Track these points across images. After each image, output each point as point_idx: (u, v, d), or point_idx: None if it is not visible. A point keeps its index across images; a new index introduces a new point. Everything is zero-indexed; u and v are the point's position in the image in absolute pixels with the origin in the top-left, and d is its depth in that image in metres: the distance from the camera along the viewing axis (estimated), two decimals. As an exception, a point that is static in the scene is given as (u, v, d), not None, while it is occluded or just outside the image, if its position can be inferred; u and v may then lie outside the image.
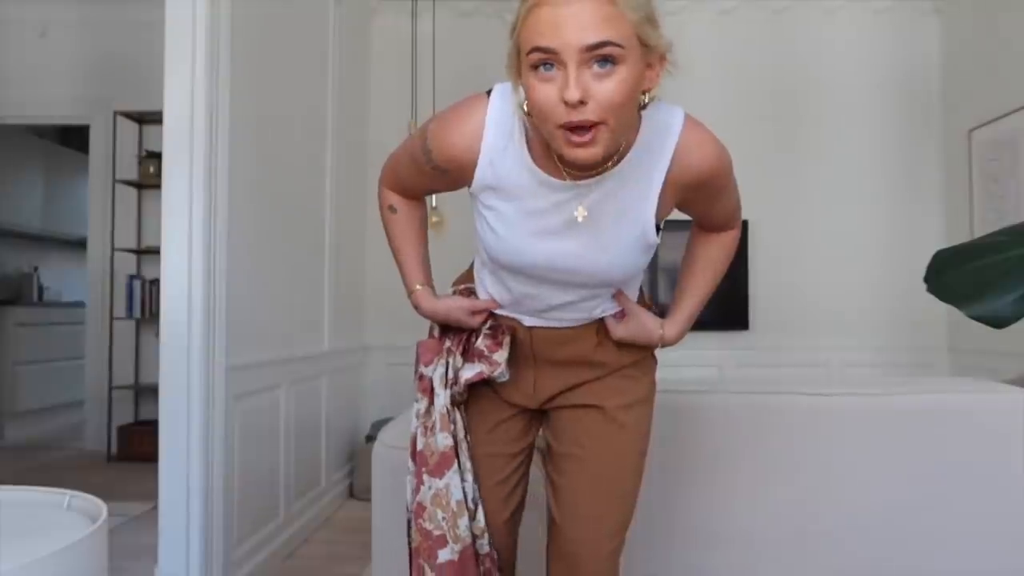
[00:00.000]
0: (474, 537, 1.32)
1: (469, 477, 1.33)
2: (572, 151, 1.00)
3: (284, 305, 3.10)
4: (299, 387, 3.21)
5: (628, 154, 1.11)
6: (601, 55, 0.96)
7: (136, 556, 2.82)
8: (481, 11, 4.32)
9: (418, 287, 1.36)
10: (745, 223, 4.24)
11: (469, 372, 1.29)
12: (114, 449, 4.59)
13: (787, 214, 4.29)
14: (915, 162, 4.30)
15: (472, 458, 1.35)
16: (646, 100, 1.06)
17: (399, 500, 1.74)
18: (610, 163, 1.10)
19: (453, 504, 1.29)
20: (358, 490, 3.87)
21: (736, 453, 1.89)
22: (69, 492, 1.36)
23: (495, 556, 1.36)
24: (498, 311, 1.33)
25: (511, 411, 1.39)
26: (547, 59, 0.97)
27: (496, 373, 1.29)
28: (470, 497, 1.31)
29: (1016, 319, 0.98)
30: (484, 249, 1.26)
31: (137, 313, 4.61)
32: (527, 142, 1.12)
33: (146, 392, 4.74)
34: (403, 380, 4.22)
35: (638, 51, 1.00)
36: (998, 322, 0.99)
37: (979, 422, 1.88)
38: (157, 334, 2.50)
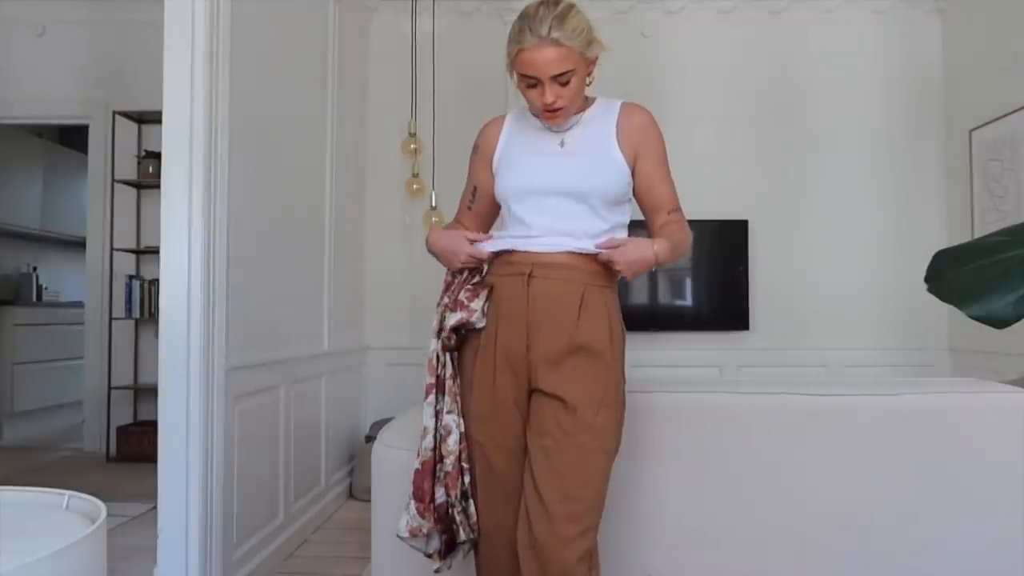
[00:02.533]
0: (441, 457, 1.61)
1: (442, 407, 1.63)
2: (549, 121, 1.64)
3: (284, 305, 3.10)
4: (299, 387, 3.21)
5: (585, 113, 1.69)
6: (561, 80, 1.56)
7: (135, 557, 2.82)
8: (481, 11, 4.32)
9: (431, 230, 1.75)
10: (745, 223, 4.24)
11: (452, 319, 1.61)
12: (113, 449, 4.59)
13: (787, 214, 4.29)
14: (916, 162, 4.30)
15: (472, 440, 1.62)
16: (590, 81, 1.64)
17: (399, 500, 1.74)
18: (573, 117, 1.68)
19: (423, 426, 1.64)
20: (358, 490, 3.87)
21: (736, 453, 1.89)
22: (68, 492, 1.36)
23: (458, 478, 1.61)
24: (510, 249, 1.62)
25: (520, 401, 1.60)
26: (532, 81, 1.58)
27: (473, 318, 1.60)
28: (441, 424, 1.62)
29: (1016, 319, 0.98)
30: (501, 198, 1.69)
31: (136, 313, 4.61)
32: (529, 115, 1.73)
33: (145, 392, 4.74)
34: (403, 380, 4.25)
35: (583, 64, 1.59)
36: (998, 322, 0.99)
37: (979, 422, 1.88)
38: (156, 334, 2.50)
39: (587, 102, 1.70)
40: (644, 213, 1.72)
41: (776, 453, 1.89)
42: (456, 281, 1.67)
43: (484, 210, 1.79)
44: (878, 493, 1.87)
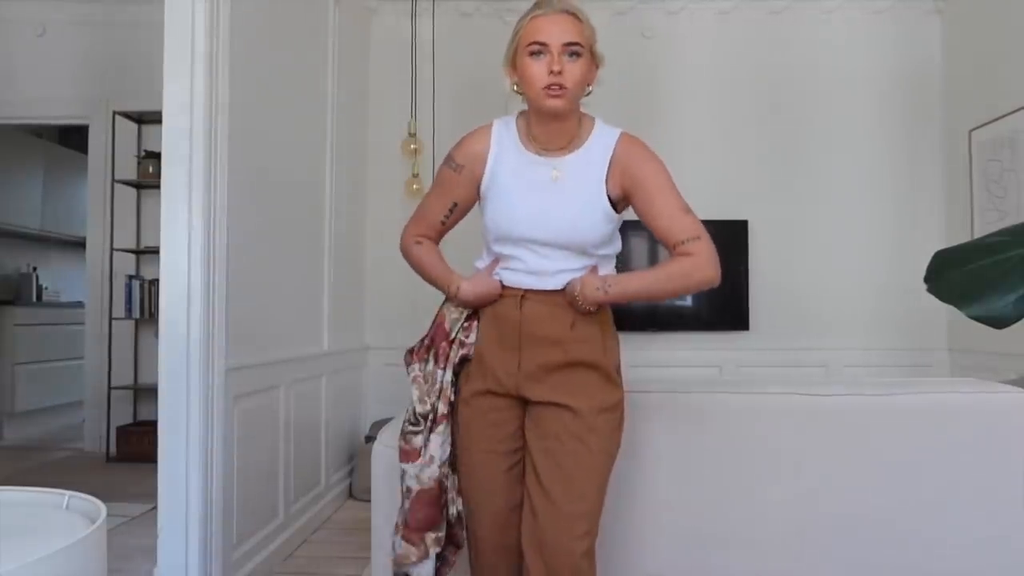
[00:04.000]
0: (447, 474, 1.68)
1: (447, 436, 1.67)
2: (550, 101, 1.53)
3: (284, 305, 3.10)
4: (299, 387, 3.21)
5: (583, 144, 1.61)
6: (571, 50, 1.53)
7: (135, 557, 2.82)
8: (481, 11, 4.32)
9: (460, 283, 1.67)
10: (745, 223, 4.24)
11: (459, 353, 1.66)
12: (113, 449, 4.59)
13: (787, 214, 4.29)
14: (915, 162, 4.30)
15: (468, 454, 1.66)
16: (590, 89, 1.60)
17: (398, 500, 1.74)
18: (569, 148, 1.61)
19: (429, 454, 1.67)
20: (358, 490, 3.87)
21: (736, 453, 1.89)
22: (68, 492, 1.36)
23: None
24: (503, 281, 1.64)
25: (504, 412, 1.63)
26: (540, 49, 1.53)
27: (466, 351, 1.65)
28: (447, 452, 1.67)
29: (1016, 319, 0.98)
30: (489, 232, 1.64)
31: (136, 313, 4.61)
32: (518, 138, 1.65)
33: (145, 392, 4.74)
34: (403, 380, 4.23)
35: (589, 54, 1.56)
36: (998, 322, 0.99)
37: (979, 422, 1.88)
38: (156, 334, 2.50)
39: (584, 125, 1.63)
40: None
41: (776, 453, 1.89)
42: (450, 317, 1.67)
43: (452, 224, 1.74)
44: (878, 493, 1.87)
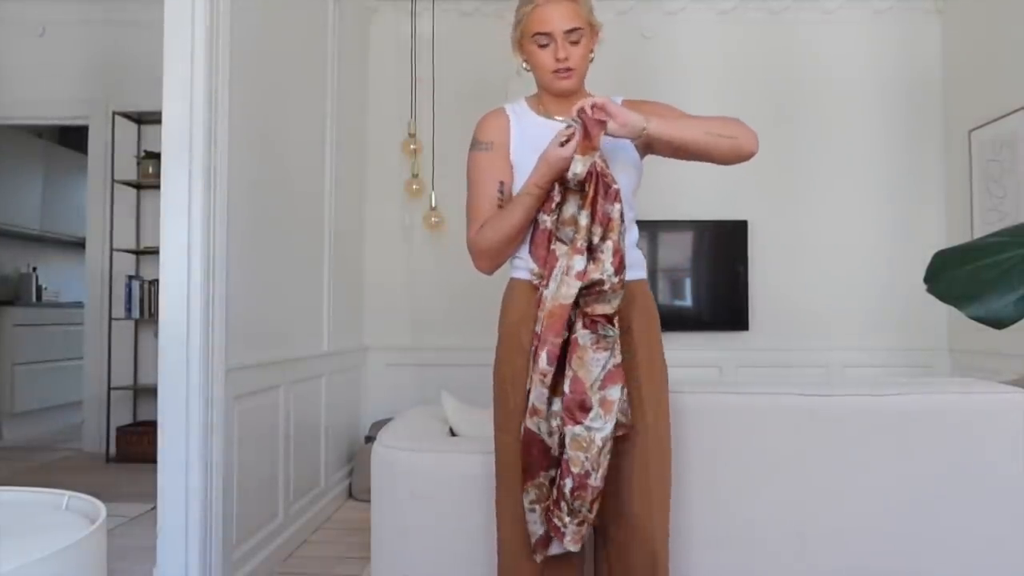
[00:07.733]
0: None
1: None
2: (560, 83, 1.65)
3: (284, 305, 3.10)
4: (299, 387, 3.21)
5: None
6: (573, 38, 1.62)
7: (135, 557, 2.82)
8: (481, 11, 4.32)
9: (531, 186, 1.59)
10: (744, 223, 4.24)
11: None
12: (113, 450, 4.59)
13: (787, 214, 4.29)
14: (915, 162, 4.30)
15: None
16: (592, 55, 1.69)
17: (398, 500, 1.74)
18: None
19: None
20: (357, 490, 3.87)
21: (736, 453, 1.89)
22: (68, 493, 1.36)
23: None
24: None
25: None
26: (544, 40, 1.62)
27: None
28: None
29: (1016, 319, 0.98)
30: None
31: (136, 313, 4.61)
32: (531, 110, 1.73)
33: (145, 393, 4.74)
34: (403, 380, 4.25)
35: (589, 29, 1.65)
36: (998, 322, 0.99)
37: (979, 422, 1.88)
38: (156, 334, 2.50)
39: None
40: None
41: (776, 454, 1.89)
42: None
43: None
44: (878, 493, 1.87)
